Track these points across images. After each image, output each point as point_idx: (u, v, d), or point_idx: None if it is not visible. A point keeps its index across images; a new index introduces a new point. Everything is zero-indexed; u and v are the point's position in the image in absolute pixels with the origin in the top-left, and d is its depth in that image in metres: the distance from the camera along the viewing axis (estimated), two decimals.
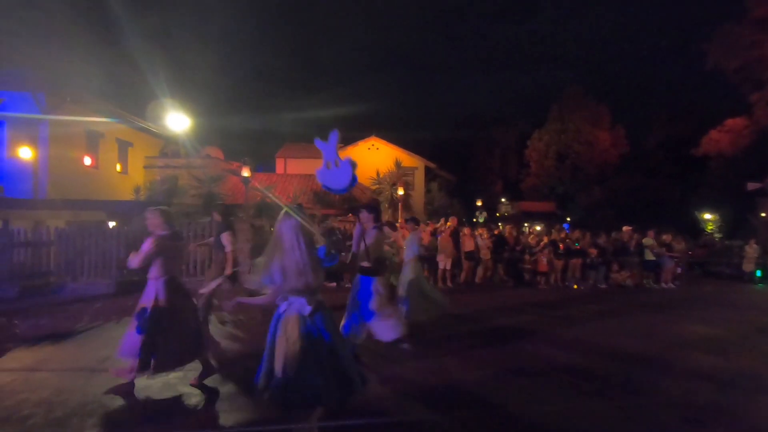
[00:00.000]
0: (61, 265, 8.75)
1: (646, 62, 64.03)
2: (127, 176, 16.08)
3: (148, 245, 3.51)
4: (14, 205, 10.68)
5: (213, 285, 4.66)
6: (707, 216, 25.99)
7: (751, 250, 12.46)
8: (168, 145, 18.14)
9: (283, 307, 2.53)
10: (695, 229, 24.12)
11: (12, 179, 11.78)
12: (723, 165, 25.31)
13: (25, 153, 12.05)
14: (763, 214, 18.42)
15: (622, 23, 68.88)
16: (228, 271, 5.03)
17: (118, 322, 5.94)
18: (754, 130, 23.71)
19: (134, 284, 8.19)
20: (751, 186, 16.88)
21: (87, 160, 14.12)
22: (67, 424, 3.04)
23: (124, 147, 16.14)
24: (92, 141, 14.31)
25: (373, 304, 4.33)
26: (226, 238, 5.07)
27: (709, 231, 24.69)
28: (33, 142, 12.24)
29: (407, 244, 6.30)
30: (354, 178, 3.62)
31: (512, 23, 73.98)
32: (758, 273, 12.28)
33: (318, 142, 3.67)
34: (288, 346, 2.41)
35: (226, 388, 3.67)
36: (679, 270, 11.79)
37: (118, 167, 15.98)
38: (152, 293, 3.51)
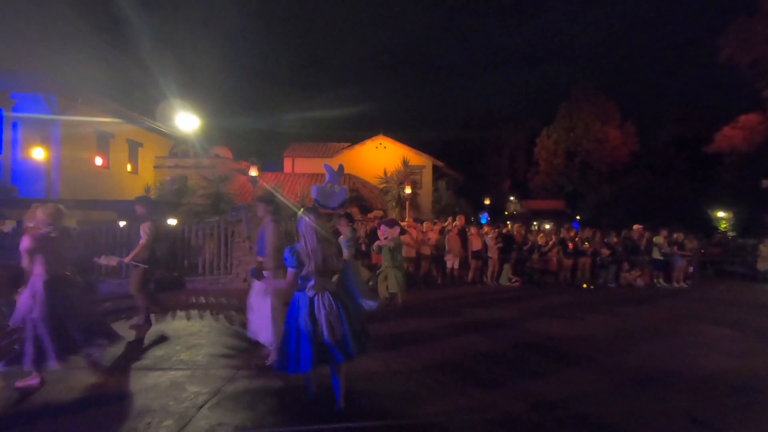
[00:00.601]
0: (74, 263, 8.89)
1: (657, 58, 63.10)
2: (137, 176, 16.26)
3: (25, 243, 3.51)
4: (27, 205, 10.77)
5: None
6: (720, 214, 25.56)
7: (766, 248, 12.22)
8: (177, 145, 18.32)
9: (311, 292, 3.05)
10: (708, 227, 23.73)
11: (25, 180, 11.98)
12: (737, 162, 24.84)
13: (38, 154, 12.26)
14: None
15: (632, 19, 67.99)
16: (127, 258, 5.39)
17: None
18: None
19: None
20: (766, 183, 16.58)
21: (98, 161, 14.31)
22: (81, 421, 3.10)
23: (134, 147, 16.33)
24: (103, 141, 14.50)
25: (255, 298, 4.22)
26: (144, 228, 5.35)
27: (723, 229, 24.28)
28: (45, 143, 12.44)
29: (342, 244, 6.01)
30: (344, 203, 5.04)
31: (520, 21, 73.51)
32: None
33: (327, 167, 5.10)
34: (330, 317, 3.03)
35: (233, 386, 3.70)
36: (691, 269, 11.63)
37: (129, 167, 16.17)
38: (32, 291, 3.52)
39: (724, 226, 25.01)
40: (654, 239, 10.99)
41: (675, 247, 11.07)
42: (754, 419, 3.32)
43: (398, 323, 6.04)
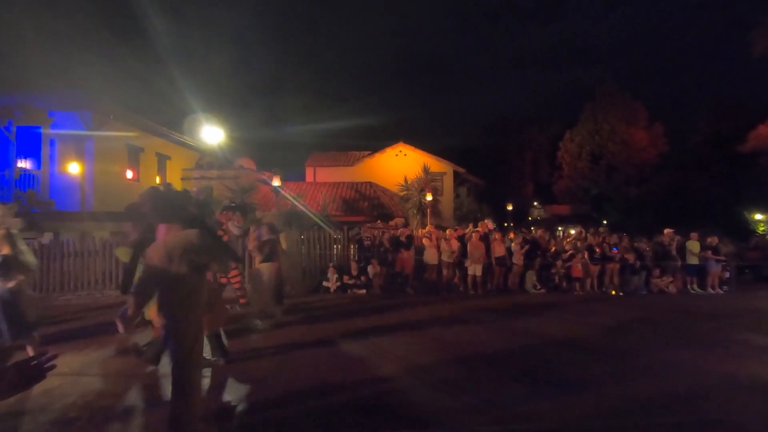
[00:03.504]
0: (105, 273, 9.29)
1: (685, 55, 60.87)
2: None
3: None
4: (64, 218, 11.36)
5: None
6: (758, 216, 24.39)
7: None
8: (203, 157, 18.85)
9: None
10: (745, 230, 22.66)
11: (62, 194, 12.56)
12: None
13: (74, 168, 12.84)
14: None
15: (659, 14, 65.90)
16: None
17: None
18: None
19: None
20: None
21: (129, 174, 14.89)
22: (111, 428, 3.20)
23: (162, 160, 16.91)
24: (133, 155, 15.08)
25: None
26: None
27: (761, 232, 23.13)
28: (80, 158, 13.02)
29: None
30: None
31: (542, 22, 72.41)
32: None
33: None
34: None
35: (265, 391, 3.75)
36: (727, 274, 11.12)
37: (158, 180, 16.73)
38: None
39: (763, 228, 23.83)
40: (687, 244, 10.58)
41: (709, 252, 10.63)
42: None
43: (425, 333, 6.00)
